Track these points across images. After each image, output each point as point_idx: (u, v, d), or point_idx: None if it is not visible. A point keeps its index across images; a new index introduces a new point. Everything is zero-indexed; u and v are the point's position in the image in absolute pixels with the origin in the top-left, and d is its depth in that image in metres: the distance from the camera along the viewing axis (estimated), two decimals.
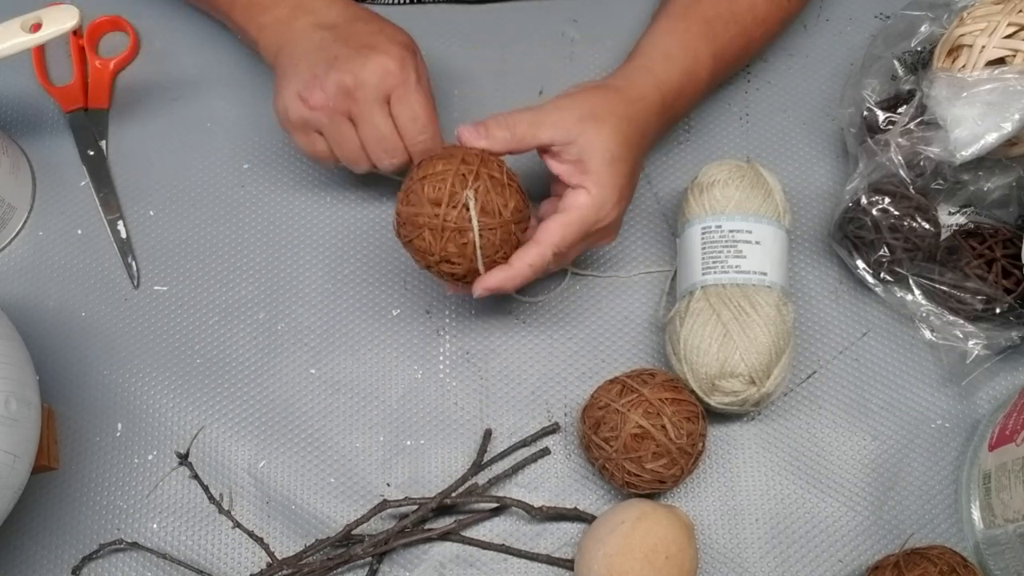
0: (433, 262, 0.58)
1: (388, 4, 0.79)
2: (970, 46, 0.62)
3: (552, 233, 0.58)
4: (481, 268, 0.58)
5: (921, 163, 0.64)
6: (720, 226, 0.64)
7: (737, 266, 0.63)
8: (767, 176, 0.66)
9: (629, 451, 0.59)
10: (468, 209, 0.56)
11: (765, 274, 0.63)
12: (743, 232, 0.64)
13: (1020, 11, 0.62)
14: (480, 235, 0.56)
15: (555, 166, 0.60)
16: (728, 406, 0.62)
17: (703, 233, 0.64)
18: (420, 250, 0.58)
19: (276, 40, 0.65)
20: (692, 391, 0.62)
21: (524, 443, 0.66)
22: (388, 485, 0.65)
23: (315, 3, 0.65)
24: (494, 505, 0.64)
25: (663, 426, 0.58)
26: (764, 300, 0.62)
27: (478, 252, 0.57)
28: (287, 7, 0.65)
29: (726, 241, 0.64)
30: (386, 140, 0.62)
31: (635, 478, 0.59)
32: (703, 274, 0.63)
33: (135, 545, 0.63)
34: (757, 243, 0.63)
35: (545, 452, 0.65)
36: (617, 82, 0.63)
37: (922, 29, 0.68)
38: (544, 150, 0.60)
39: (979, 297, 0.64)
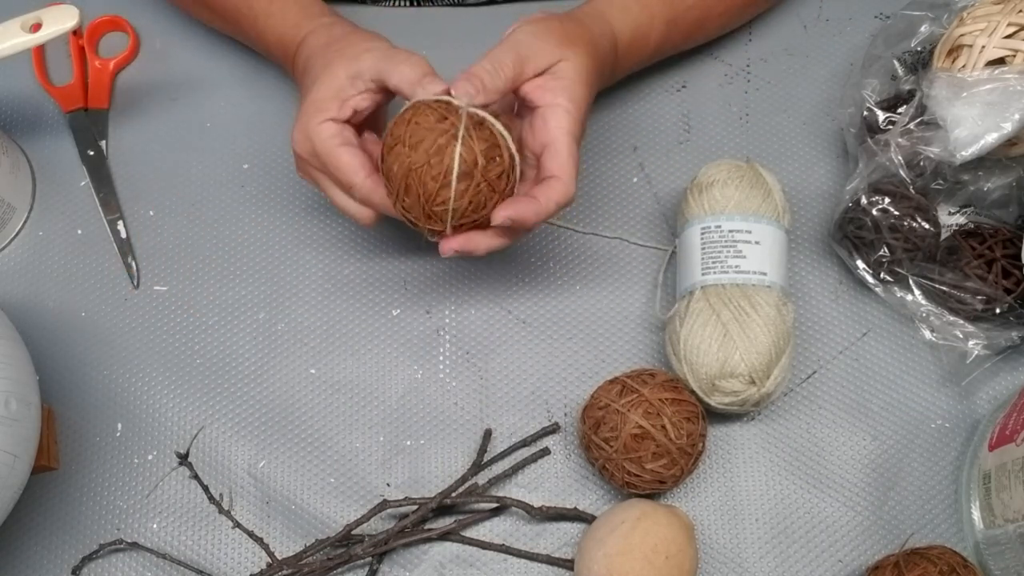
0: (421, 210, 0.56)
1: (389, 6, 0.79)
2: (970, 46, 0.62)
3: (569, 166, 0.56)
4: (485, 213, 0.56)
5: (921, 163, 0.64)
6: (719, 226, 0.64)
7: (737, 266, 0.63)
8: (766, 176, 0.66)
9: (629, 451, 0.59)
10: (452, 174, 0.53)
11: (765, 274, 0.63)
12: (742, 232, 0.64)
13: (1020, 11, 0.62)
14: (471, 192, 0.54)
15: (534, 89, 0.58)
16: (728, 406, 0.62)
17: (702, 233, 0.64)
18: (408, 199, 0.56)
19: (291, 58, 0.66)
20: (692, 391, 0.62)
21: (524, 443, 0.66)
22: (388, 485, 0.65)
23: (307, 29, 0.65)
24: (494, 505, 0.64)
25: (663, 426, 0.58)
26: (764, 300, 0.62)
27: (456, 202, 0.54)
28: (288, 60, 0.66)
29: (725, 241, 0.63)
30: (341, 204, 0.61)
31: (635, 478, 0.59)
32: (703, 274, 0.63)
33: (135, 545, 0.63)
34: (757, 243, 0.63)
35: (545, 452, 0.65)
36: (576, 15, 0.62)
37: (922, 29, 0.68)
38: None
39: (979, 297, 0.64)
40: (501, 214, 0.55)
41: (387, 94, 0.60)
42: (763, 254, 0.63)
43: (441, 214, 0.55)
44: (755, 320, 0.61)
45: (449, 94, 0.55)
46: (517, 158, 0.56)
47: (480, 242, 0.58)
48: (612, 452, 0.59)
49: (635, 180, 0.73)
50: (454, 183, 0.54)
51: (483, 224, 0.57)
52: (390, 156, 0.55)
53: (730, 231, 0.64)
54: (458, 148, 0.53)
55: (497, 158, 0.54)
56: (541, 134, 0.57)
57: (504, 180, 0.55)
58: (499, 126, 0.55)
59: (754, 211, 0.64)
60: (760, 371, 0.61)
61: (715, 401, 0.62)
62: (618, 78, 0.67)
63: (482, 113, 0.55)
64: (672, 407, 0.59)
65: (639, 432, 0.58)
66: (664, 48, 0.67)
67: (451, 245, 0.57)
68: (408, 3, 0.78)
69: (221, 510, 0.64)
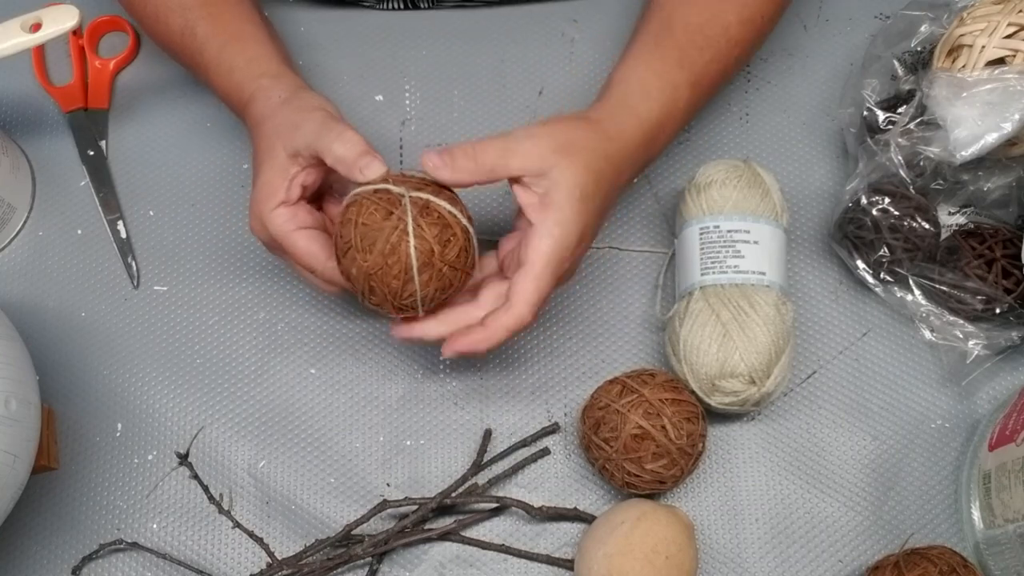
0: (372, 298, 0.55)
1: (386, 10, 0.78)
2: (970, 46, 0.62)
3: (529, 294, 0.54)
4: (420, 311, 0.55)
5: (921, 163, 0.64)
6: (718, 226, 0.64)
7: (735, 266, 0.63)
8: (764, 175, 0.66)
9: (629, 451, 0.59)
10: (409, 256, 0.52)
11: (764, 274, 0.63)
12: (741, 232, 0.64)
13: (1020, 11, 0.62)
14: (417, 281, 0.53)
15: (522, 196, 0.56)
16: (729, 406, 0.62)
17: (701, 233, 0.64)
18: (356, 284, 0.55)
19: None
20: (692, 391, 0.62)
21: (524, 443, 0.66)
22: (388, 485, 0.65)
23: (259, 90, 0.61)
24: (494, 505, 0.64)
25: (663, 427, 0.58)
26: (763, 300, 0.62)
27: (417, 296, 0.54)
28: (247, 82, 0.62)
29: (724, 241, 0.63)
30: (308, 283, 0.60)
31: (635, 478, 0.59)
32: (702, 274, 0.63)
33: (135, 545, 0.63)
34: (755, 243, 0.63)
35: (545, 452, 0.65)
36: (594, 115, 0.59)
37: (922, 29, 0.68)
38: (515, 180, 0.56)
39: (979, 297, 0.64)
40: (450, 348, 0.56)
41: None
42: (762, 254, 0.63)
43: (411, 304, 0.54)
44: (754, 320, 0.61)
45: (387, 180, 0.53)
46: (471, 229, 0.55)
47: (428, 331, 0.57)
48: (612, 452, 0.59)
49: (635, 180, 0.72)
50: (416, 277, 0.53)
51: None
52: (346, 260, 0.54)
53: (728, 231, 0.64)
54: (411, 242, 0.52)
55: (451, 239, 0.53)
56: (523, 252, 0.55)
57: (464, 255, 0.54)
58: (445, 204, 0.53)
59: (752, 211, 0.64)
60: (760, 371, 0.61)
61: (715, 401, 0.62)
62: (656, 155, 0.64)
63: (425, 196, 0.53)
64: (672, 407, 0.59)
65: (639, 432, 0.58)
66: (693, 109, 0.64)
67: (403, 334, 0.57)
68: (405, 6, 0.78)
69: (221, 510, 0.64)
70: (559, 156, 0.55)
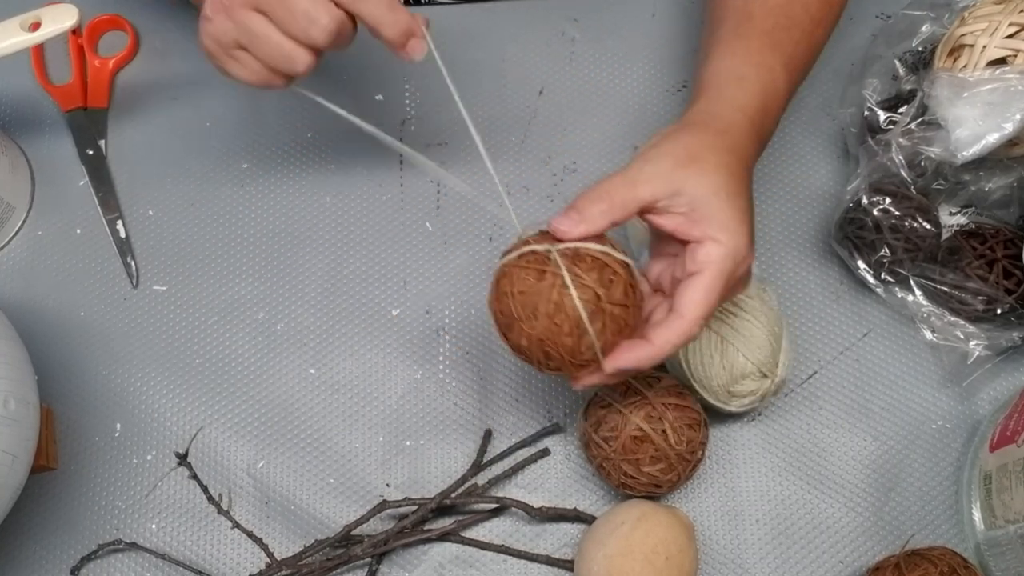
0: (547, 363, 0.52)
1: None
2: (971, 46, 0.62)
3: (697, 305, 0.51)
4: (600, 355, 0.51)
5: (922, 163, 0.64)
6: None
7: None
8: None
9: (627, 452, 0.59)
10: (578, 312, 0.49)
11: None
12: None
13: (1021, 11, 0.62)
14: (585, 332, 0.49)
15: (664, 223, 0.52)
16: (750, 405, 0.62)
17: None
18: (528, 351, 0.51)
19: None
20: (712, 405, 0.62)
21: (524, 443, 0.65)
22: (388, 485, 0.65)
23: None
24: (494, 506, 0.64)
25: (663, 431, 0.58)
26: (746, 295, 0.62)
27: (597, 348, 0.50)
28: None
29: None
30: (304, 11, 0.53)
31: (631, 480, 0.59)
32: None
33: (134, 545, 0.63)
34: None
35: (545, 452, 0.65)
36: (696, 118, 0.56)
37: (923, 29, 0.68)
38: (647, 210, 0.52)
39: (980, 298, 0.64)
40: (611, 365, 0.51)
41: None
42: None
43: (591, 357, 0.51)
44: (744, 319, 0.61)
45: (528, 242, 0.50)
46: (630, 262, 0.51)
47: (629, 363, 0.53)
48: (610, 452, 0.59)
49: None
50: (589, 328, 0.49)
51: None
52: (512, 335, 0.51)
53: None
54: (574, 294, 0.49)
55: (612, 278, 0.50)
56: (689, 264, 0.52)
57: (630, 291, 0.51)
58: (595, 246, 0.50)
59: None
60: (767, 363, 0.61)
61: (735, 406, 0.62)
62: (766, 143, 0.60)
63: (572, 244, 0.50)
64: (675, 412, 0.59)
65: (639, 434, 0.58)
66: (791, 91, 0.61)
67: (609, 379, 0.53)
68: (406, 2, 0.78)
69: (220, 510, 0.64)
70: (686, 169, 0.52)
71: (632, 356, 0.51)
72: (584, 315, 0.49)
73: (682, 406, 0.59)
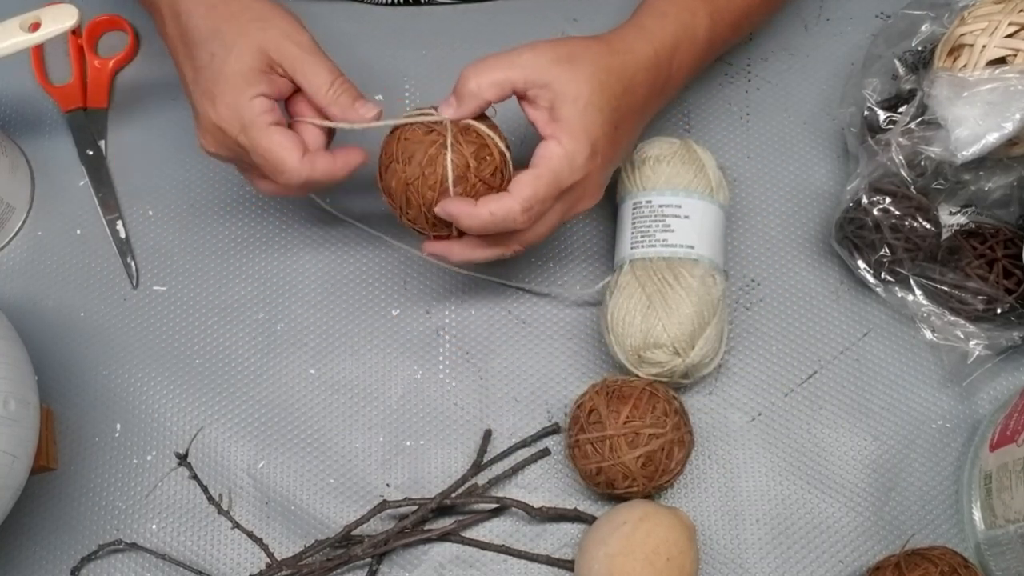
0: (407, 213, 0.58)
1: (386, 5, 0.78)
2: (971, 45, 0.62)
3: (523, 187, 0.55)
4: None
5: (922, 163, 0.64)
6: (650, 201, 0.65)
7: (664, 240, 0.63)
8: (700, 152, 0.66)
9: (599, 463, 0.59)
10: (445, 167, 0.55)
11: (692, 247, 0.63)
12: (672, 207, 0.64)
13: (1021, 10, 0.62)
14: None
15: (530, 112, 0.57)
16: (657, 376, 0.63)
17: (634, 208, 0.65)
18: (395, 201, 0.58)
19: (170, 55, 0.61)
20: (621, 364, 0.63)
21: (524, 443, 0.65)
22: (388, 485, 0.65)
23: (175, 1, 0.58)
24: (494, 506, 0.64)
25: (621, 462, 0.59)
26: (689, 272, 0.62)
27: (450, 177, 0.56)
28: (156, 11, 0.60)
29: (655, 216, 0.64)
30: (272, 191, 0.60)
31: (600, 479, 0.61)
32: (631, 248, 0.64)
33: (134, 546, 0.63)
34: (686, 217, 0.64)
35: (545, 452, 0.65)
36: (605, 35, 0.59)
37: (923, 28, 0.68)
38: (521, 96, 0.56)
39: (980, 297, 0.64)
40: (440, 207, 0.56)
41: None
42: (691, 228, 0.64)
43: (444, 220, 0.57)
44: (678, 292, 0.62)
45: (430, 112, 0.57)
46: (508, 154, 0.57)
47: (454, 250, 0.59)
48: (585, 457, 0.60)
49: (662, 107, 0.71)
50: (451, 188, 0.55)
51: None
52: (387, 174, 0.57)
53: (660, 206, 0.64)
54: (449, 155, 0.55)
55: (487, 157, 0.56)
56: (532, 160, 0.56)
57: (498, 176, 0.57)
58: (484, 127, 0.57)
59: (685, 186, 0.65)
60: (683, 341, 0.61)
61: (643, 372, 0.63)
62: (679, 84, 0.63)
63: (465, 121, 0.56)
64: (631, 448, 0.59)
65: (603, 466, 0.60)
66: (715, 42, 0.63)
67: (429, 249, 0.58)
68: (406, 1, 0.78)
69: (220, 511, 0.64)
70: (560, 66, 0.55)
71: (455, 206, 0.55)
72: (450, 174, 0.55)
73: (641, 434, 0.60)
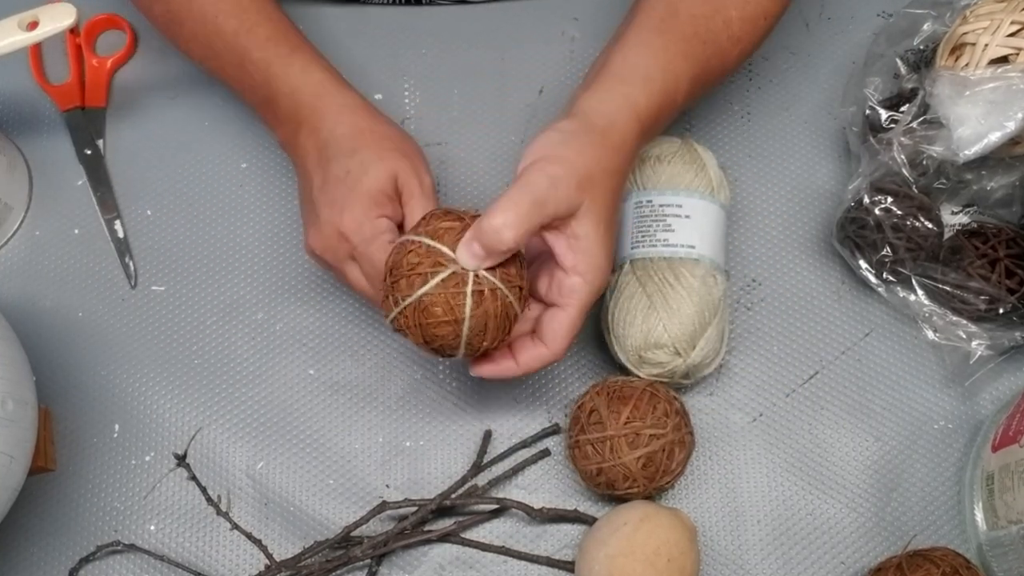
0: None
1: (387, 5, 0.78)
2: (973, 44, 0.62)
3: (562, 338, 0.55)
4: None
5: (924, 162, 0.64)
6: (651, 200, 0.65)
7: (665, 239, 0.63)
8: (701, 152, 0.66)
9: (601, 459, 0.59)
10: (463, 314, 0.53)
11: (693, 247, 0.63)
12: (673, 206, 0.64)
13: (1023, 9, 0.61)
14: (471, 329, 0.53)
15: (552, 241, 0.55)
16: (658, 377, 0.62)
17: (635, 208, 0.65)
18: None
19: (293, 159, 0.64)
20: (622, 364, 0.63)
21: (524, 444, 0.65)
22: (387, 486, 0.65)
23: (317, 117, 0.61)
24: (494, 507, 0.64)
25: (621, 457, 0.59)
26: (690, 272, 0.62)
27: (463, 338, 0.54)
28: (293, 122, 0.62)
29: (656, 215, 0.64)
30: (371, 298, 0.59)
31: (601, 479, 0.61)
32: (632, 248, 0.64)
33: (132, 547, 0.63)
34: (687, 217, 0.64)
35: (545, 453, 0.65)
36: (596, 119, 0.56)
37: (925, 27, 0.68)
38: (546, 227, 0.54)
39: (982, 297, 0.64)
40: (475, 370, 0.58)
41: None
42: (692, 228, 0.63)
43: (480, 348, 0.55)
44: (679, 292, 0.61)
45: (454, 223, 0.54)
46: (517, 308, 0.55)
47: (506, 369, 0.58)
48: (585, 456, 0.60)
49: None
50: (464, 340, 0.54)
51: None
52: (396, 289, 0.54)
53: (660, 205, 0.64)
54: (468, 309, 0.53)
55: (501, 307, 0.54)
56: (554, 294, 0.56)
57: (512, 313, 0.55)
58: (499, 283, 0.53)
59: (686, 185, 0.64)
60: (684, 342, 0.61)
61: (644, 372, 0.62)
62: (649, 141, 0.62)
63: (484, 274, 0.53)
64: (631, 448, 0.59)
65: (603, 467, 0.60)
66: (688, 104, 0.62)
67: (479, 373, 0.58)
68: (407, 0, 0.78)
69: (219, 511, 0.64)
70: (584, 193, 0.54)
71: (497, 368, 0.57)
72: (464, 331, 0.53)
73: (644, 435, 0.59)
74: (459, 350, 0.54)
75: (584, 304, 0.55)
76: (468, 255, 0.52)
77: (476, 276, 0.52)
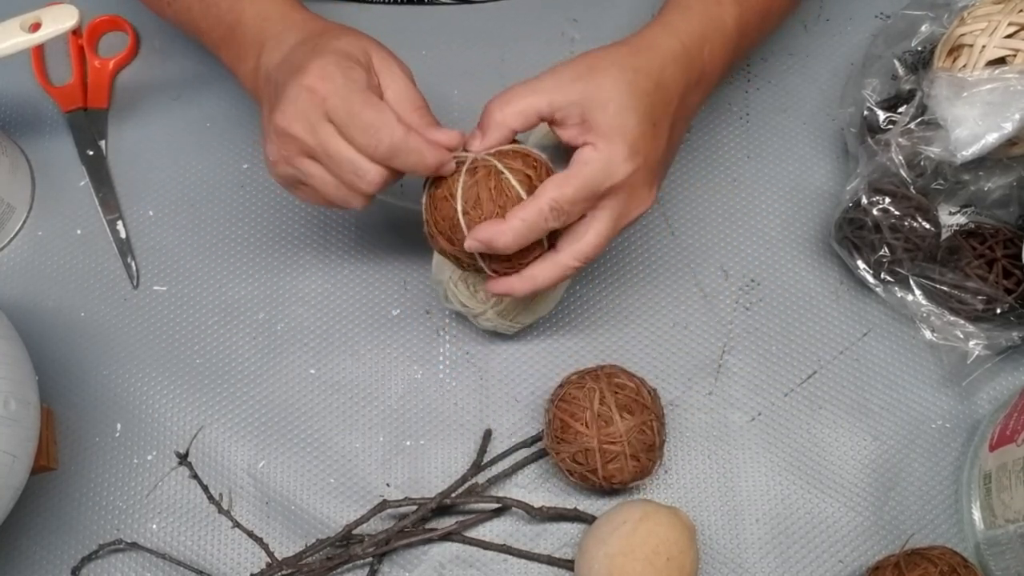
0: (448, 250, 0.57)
1: (387, 4, 0.78)
2: (971, 46, 0.62)
3: (548, 188, 0.53)
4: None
5: (921, 163, 0.64)
6: None
7: None
8: None
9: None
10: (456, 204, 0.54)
11: None
12: None
13: (1020, 11, 0.62)
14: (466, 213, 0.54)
15: (563, 134, 0.55)
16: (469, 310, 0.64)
17: None
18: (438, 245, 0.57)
19: (254, 91, 0.60)
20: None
21: (524, 443, 0.65)
22: (388, 485, 0.65)
23: (272, 37, 0.58)
24: (494, 505, 0.64)
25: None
26: None
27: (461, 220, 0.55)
28: (254, 53, 0.59)
29: None
30: (351, 163, 0.54)
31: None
32: None
33: (134, 545, 0.63)
34: None
35: (545, 452, 0.65)
36: (626, 38, 0.57)
37: (922, 29, 0.68)
38: (551, 121, 0.55)
39: (980, 297, 0.64)
40: (468, 243, 0.54)
41: None
42: None
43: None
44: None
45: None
46: (533, 179, 0.55)
47: (515, 284, 0.57)
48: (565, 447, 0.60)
49: (704, 102, 0.71)
50: (462, 221, 0.54)
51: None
52: (456, 231, 0.55)
53: None
54: (460, 189, 0.54)
55: (534, 163, 0.55)
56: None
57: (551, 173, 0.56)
58: (510, 161, 0.54)
59: None
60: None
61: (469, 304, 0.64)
62: (716, 76, 0.60)
63: (494, 149, 0.55)
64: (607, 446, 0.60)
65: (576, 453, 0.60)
66: (745, 31, 0.61)
67: (492, 289, 0.57)
68: (408, 1, 0.78)
69: (221, 510, 0.64)
70: (582, 81, 0.53)
71: (483, 231, 0.53)
72: (459, 205, 0.54)
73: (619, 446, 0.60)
74: (462, 231, 0.54)
75: (587, 171, 0.53)
76: (471, 138, 0.55)
77: (475, 158, 0.55)
